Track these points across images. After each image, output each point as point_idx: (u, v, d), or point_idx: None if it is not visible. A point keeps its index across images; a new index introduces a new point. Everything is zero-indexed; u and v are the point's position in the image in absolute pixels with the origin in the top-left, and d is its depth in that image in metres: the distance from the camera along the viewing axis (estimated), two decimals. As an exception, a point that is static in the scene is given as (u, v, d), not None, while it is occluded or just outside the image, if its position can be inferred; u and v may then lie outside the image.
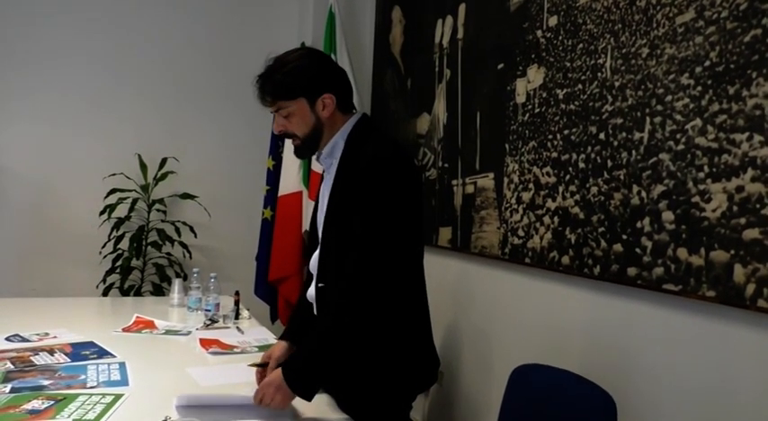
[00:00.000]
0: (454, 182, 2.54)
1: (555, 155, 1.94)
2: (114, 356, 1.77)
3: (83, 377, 1.56)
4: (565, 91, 1.91)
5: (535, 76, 2.06)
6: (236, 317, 2.32)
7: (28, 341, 1.90)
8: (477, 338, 2.38)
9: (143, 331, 2.12)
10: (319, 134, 1.51)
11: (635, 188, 1.63)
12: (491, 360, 2.28)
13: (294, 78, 1.48)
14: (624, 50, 1.69)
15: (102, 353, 1.80)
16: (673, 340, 1.54)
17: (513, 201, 2.15)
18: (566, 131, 1.90)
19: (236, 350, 1.91)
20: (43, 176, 3.48)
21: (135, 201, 3.45)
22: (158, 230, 3.47)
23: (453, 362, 2.46)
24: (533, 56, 2.07)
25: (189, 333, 2.11)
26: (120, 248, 3.43)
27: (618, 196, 1.68)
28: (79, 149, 3.52)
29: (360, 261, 1.39)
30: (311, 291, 1.59)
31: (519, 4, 2.16)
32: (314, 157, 1.59)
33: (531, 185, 2.06)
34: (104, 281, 3.38)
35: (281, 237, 3.40)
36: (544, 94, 2.01)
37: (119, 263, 3.39)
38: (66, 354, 1.76)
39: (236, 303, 2.37)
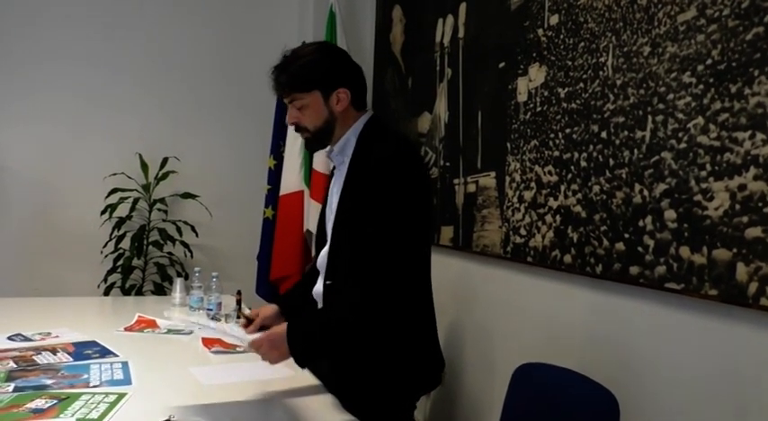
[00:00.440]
0: (456, 181, 2.54)
1: (557, 153, 1.94)
2: (117, 355, 1.77)
3: (86, 376, 1.56)
4: (566, 89, 1.91)
5: (536, 74, 2.06)
6: (238, 316, 2.32)
7: (30, 340, 1.90)
8: (479, 337, 2.38)
9: (145, 330, 2.13)
10: (331, 128, 1.51)
11: (637, 187, 1.63)
12: (493, 359, 2.28)
13: (310, 70, 1.49)
14: (626, 49, 1.69)
15: (105, 352, 1.80)
16: (675, 339, 1.54)
17: (515, 199, 2.15)
18: (567, 130, 1.90)
19: (238, 349, 1.91)
20: (44, 176, 3.48)
21: (136, 200, 3.45)
22: (159, 230, 3.48)
23: (455, 361, 2.46)
24: (534, 54, 2.07)
25: (191, 332, 2.11)
26: (121, 248, 3.43)
27: (620, 195, 1.68)
28: (80, 149, 3.52)
29: (370, 257, 1.38)
30: (318, 288, 1.59)
31: (520, 3, 2.16)
32: (325, 154, 1.59)
33: (532, 184, 2.06)
34: (106, 280, 3.39)
35: (283, 236, 3.40)
36: (545, 93, 2.01)
37: (120, 262, 3.40)
38: (68, 354, 1.77)
39: (238, 303, 2.37)
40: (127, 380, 1.55)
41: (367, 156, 1.46)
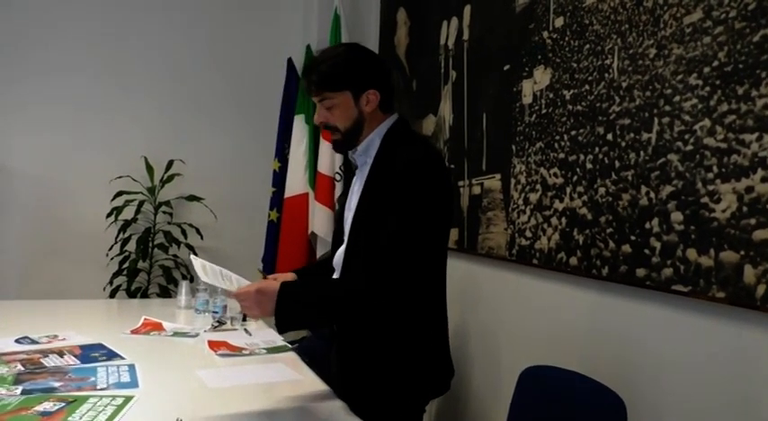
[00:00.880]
0: (461, 183, 2.54)
1: (562, 156, 1.94)
2: (123, 358, 1.78)
3: (93, 379, 1.57)
4: (572, 92, 1.91)
5: (542, 77, 2.06)
6: (244, 319, 2.31)
7: (37, 343, 1.91)
8: (484, 339, 2.37)
9: (151, 333, 2.13)
10: (360, 129, 1.51)
11: (643, 189, 1.62)
12: (499, 361, 2.27)
13: (341, 70, 1.49)
14: (631, 51, 1.68)
15: (112, 354, 1.81)
16: (682, 341, 1.53)
17: (521, 202, 2.15)
18: (573, 132, 1.90)
19: (244, 352, 1.91)
20: (51, 179, 3.50)
21: (141, 203, 3.46)
22: (165, 232, 3.48)
23: (461, 363, 2.45)
24: (540, 57, 2.07)
25: (197, 335, 2.12)
26: (126, 250, 3.44)
27: (626, 197, 1.68)
28: (86, 152, 3.54)
29: (389, 247, 1.38)
30: None
31: (525, 6, 2.16)
32: (349, 153, 1.59)
33: (538, 186, 2.06)
34: (111, 283, 3.39)
35: (288, 238, 3.41)
36: (551, 95, 2.01)
37: (126, 265, 3.41)
38: (75, 356, 1.77)
39: (244, 305, 2.37)
40: (134, 383, 1.56)
41: (391, 157, 1.46)
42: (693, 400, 1.49)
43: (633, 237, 1.65)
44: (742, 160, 1.36)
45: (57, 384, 1.51)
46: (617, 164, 1.72)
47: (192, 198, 3.53)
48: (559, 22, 1.98)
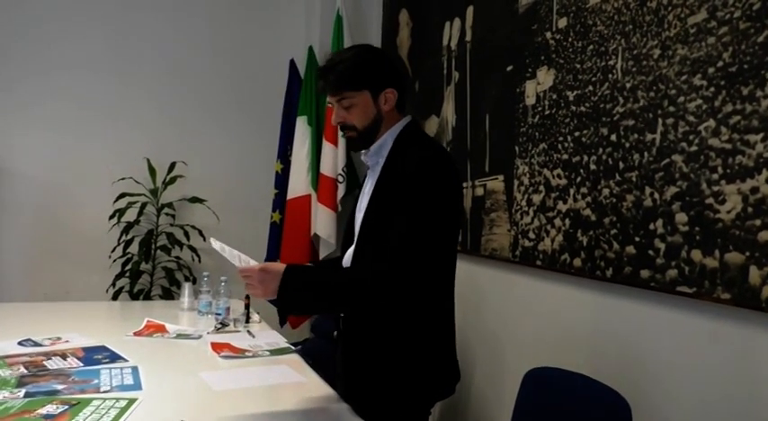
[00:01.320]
0: (464, 184, 2.53)
1: (566, 157, 1.94)
2: (127, 360, 1.77)
3: (96, 381, 1.57)
4: (575, 93, 1.90)
5: (545, 77, 2.05)
6: (247, 320, 2.32)
7: (40, 345, 1.91)
8: (488, 341, 2.37)
9: (154, 335, 2.13)
10: (378, 128, 1.52)
11: (647, 190, 1.62)
12: (503, 362, 2.27)
13: (361, 69, 1.50)
14: (635, 52, 1.68)
15: (115, 357, 1.80)
16: (687, 343, 1.53)
17: (524, 203, 2.14)
18: (576, 133, 1.89)
19: (247, 354, 1.91)
20: (54, 181, 3.50)
21: (144, 205, 3.46)
22: (167, 234, 3.48)
23: (465, 365, 2.45)
24: (543, 58, 2.06)
25: (200, 337, 2.11)
26: (129, 252, 3.44)
27: (630, 198, 1.68)
28: (89, 154, 3.54)
29: (401, 242, 1.37)
30: None
31: (528, 6, 2.16)
32: (361, 153, 1.59)
33: (541, 187, 2.05)
34: (114, 285, 3.39)
35: (290, 240, 3.41)
36: (554, 96, 2.00)
37: (128, 267, 3.40)
38: (78, 359, 1.77)
39: (247, 307, 2.37)
40: (137, 386, 1.56)
41: (402, 158, 1.47)
42: (698, 402, 1.48)
43: (637, 239, 1.64)
44: (747, 161, 1.35)
45: (60, 387, 1.51)
46: (621, 165, 1.71)
47: (195, 200, 3.53)
48: (563, 22, 1.97)
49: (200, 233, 3.49)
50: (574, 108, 1.91)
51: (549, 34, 2.04)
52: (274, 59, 3.70)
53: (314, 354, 1.94)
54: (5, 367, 1.66)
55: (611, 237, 1.73)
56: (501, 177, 2.28)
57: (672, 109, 1.56)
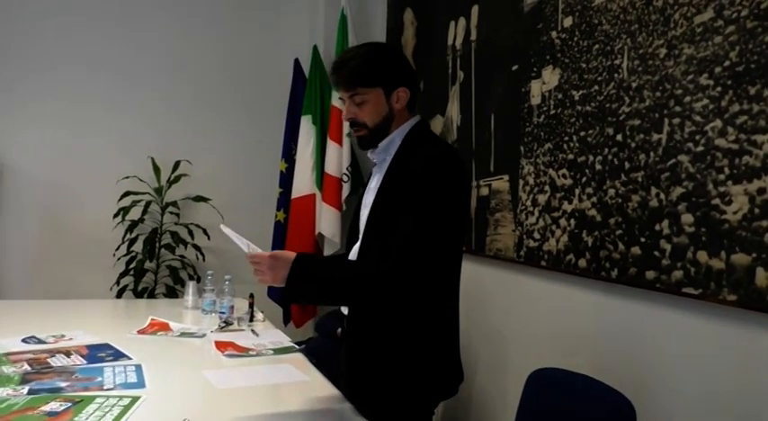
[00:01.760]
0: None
1: (571, 157, 1.93)
2: (130, 358, 1.77)
3: (99, 379, 1.57)
4: (581, 92, 1.90)
5: (550, 77, 2.05)
6: (251, 319, 2.32)
7: (44, 343, 1.91)
8: (492, 341, 2.36)
9: (158, 333, 2.13)
10: (388, 126, 1.52)
11: (653, 190, 1.61)
12: (507, 363, 2.26)
13: (375, 66, 1.50)
14: (641, 51, 1.67)
15: (118, 355, 1.81)
16: (692, 345, 1.52)
17: (529, 203, 2.13)
18: (582, 133, 1.89)
19: (251, 353, 1.91)
20: (58, 179, 3.50)
21: (148, 203, 3.47)
22: (172, 233, 3.49)
23: (468, 366, 2.44)
24: (548, 57, 2.06)
25: (204, 335, 2.11)
26: (133, 251, 3.45)
27: (636, 198, 1.67)
28: (93, 152, 3.54)
29: (408, 239, 1.37)
30: None
31: (533, 5, 2.15)
32: (368, 150, 1.58)
33: (546, 187, 2.04)
34: (118, 283, 3.40)
35: (295, 239, 3.41)
36: (559, 96, 2.00)
37: (132, 265, 3.41)
38: (82, 356, 1.77)
39: (251, 306, 2.38)
40: (140, 384, 1.56)
41: (411, 156, 1.47)
42: (703, 404, 1.48)
43: (643, 239, 1.64)
44: (754, 161, 1.34)
45: (63, 384, 1.51)
46: (627, 165, 1.70)
47: (199, 198, 3.54)
48: (568, 21, 1.96)
49: (205, 232, 3.50)
50: (579, 108, 1.90)
51: (554, 33, 2.03)
52: (279, 59, 3.71)
53: (318, 354, 1.94)
54: (9, 364, 1.66)
55: (617, 238, 1.73)
56: (506, 177, 2.27)
57: (678, 109, 1.55)
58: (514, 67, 2.25)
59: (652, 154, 1.62)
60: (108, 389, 1.49)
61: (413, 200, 1.39)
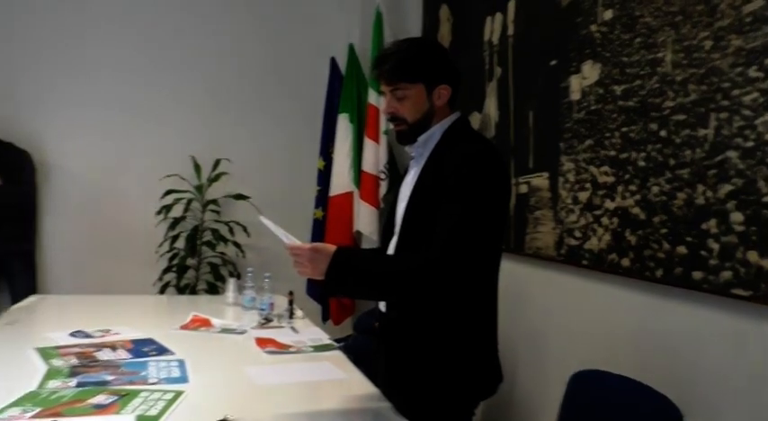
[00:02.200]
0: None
1: (613, 153, 1.89)
2: (173, 353, 1.82)
3: (144, 373, 1.61)
4: (622, 87, 1.85)
5: (590, 72, 2.00)
6: (291, 316, 2.35)
7: (91, 337, 1.97)
8: (532, 342, 2.33)
9: (200, 329, 2.17)
10: (428, 122, 1.51)
11: (700, 187, 1.56)
12: (547, 365, 2.23)
13: (418, 62, 1.49)
14: (686, 43, 1.62)
15: (162, 350, 1.85)
16: (742, 349, 1.46)
17: (569, 201, 2.09)
18: (624, 129, 1.84)
19: (291, 350, 1.93)
20: (104, 179, 3.62)
21: (190, 201, 3.55)
22: (212, 230, 3.56)
23: (508, 366, 2.41)
24: (588, 51, 2.01)
25: (244, 331, 2.15)
26: (175, 247, 3.53)
27: (681, 196, 1.62)
28: (136, 152, 3.64)
29: (455, 229, 1.35)
30: None
31: (573, -1, 2.10)
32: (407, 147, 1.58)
33: (587, 185, 2.00)
34: (161, 279, 3.48)
35: (333, 237, 3.43)
36: (600, 91, 1.95)
37: (175, 261, 3.49)
38: (127, 351, 1.82)
39: (290, 303, 2.40)
40: (183, 378, 1.59)
41: (451, 151, 1.46)
42: (754, 411, 1.42)
43: (689, 238, 1.59)
44: (808, 157, 1.29)
45: (109, 377, 1.56)
46: (671, 161, 1.66)
47: (239, 196, 3.59)
48: (608, 14, 1.92)
49: (245, 229, 3.55)
50: (621, 103, 1.85)
51: (593, 27, 1.98)
52: (315, 58, 3.73)
53: (356, 351, 1.95)
54: (58, 357, 1.72)
55: (662, 237, 1.68)
56: (545, 174, 2.24)
57: (726, 103, 1.49)
58: (553, 63, 2.21)
59: (698, 150, 1.57)
60: (152, 383, 1.53)
61: (456, 191, 1.38)
